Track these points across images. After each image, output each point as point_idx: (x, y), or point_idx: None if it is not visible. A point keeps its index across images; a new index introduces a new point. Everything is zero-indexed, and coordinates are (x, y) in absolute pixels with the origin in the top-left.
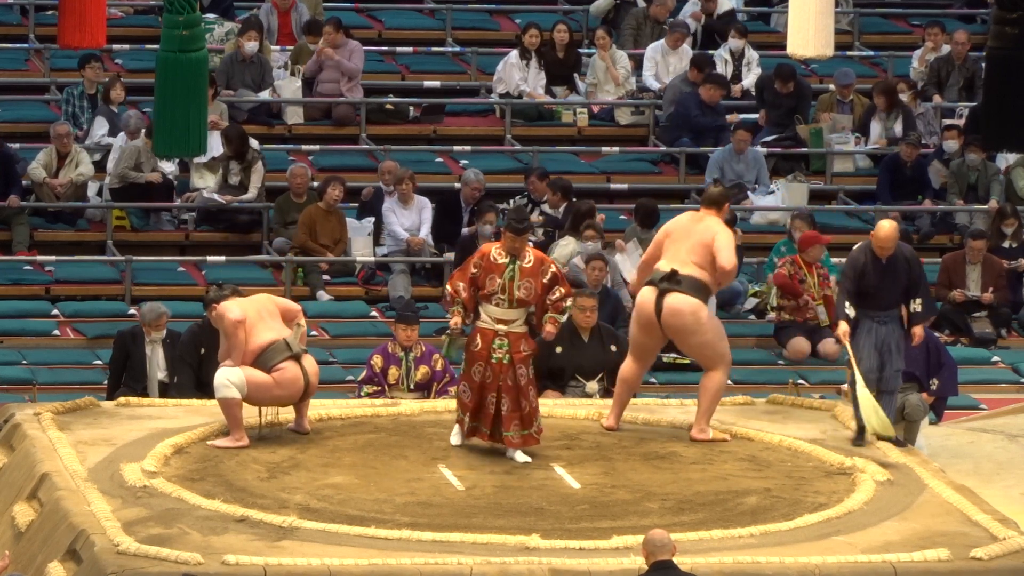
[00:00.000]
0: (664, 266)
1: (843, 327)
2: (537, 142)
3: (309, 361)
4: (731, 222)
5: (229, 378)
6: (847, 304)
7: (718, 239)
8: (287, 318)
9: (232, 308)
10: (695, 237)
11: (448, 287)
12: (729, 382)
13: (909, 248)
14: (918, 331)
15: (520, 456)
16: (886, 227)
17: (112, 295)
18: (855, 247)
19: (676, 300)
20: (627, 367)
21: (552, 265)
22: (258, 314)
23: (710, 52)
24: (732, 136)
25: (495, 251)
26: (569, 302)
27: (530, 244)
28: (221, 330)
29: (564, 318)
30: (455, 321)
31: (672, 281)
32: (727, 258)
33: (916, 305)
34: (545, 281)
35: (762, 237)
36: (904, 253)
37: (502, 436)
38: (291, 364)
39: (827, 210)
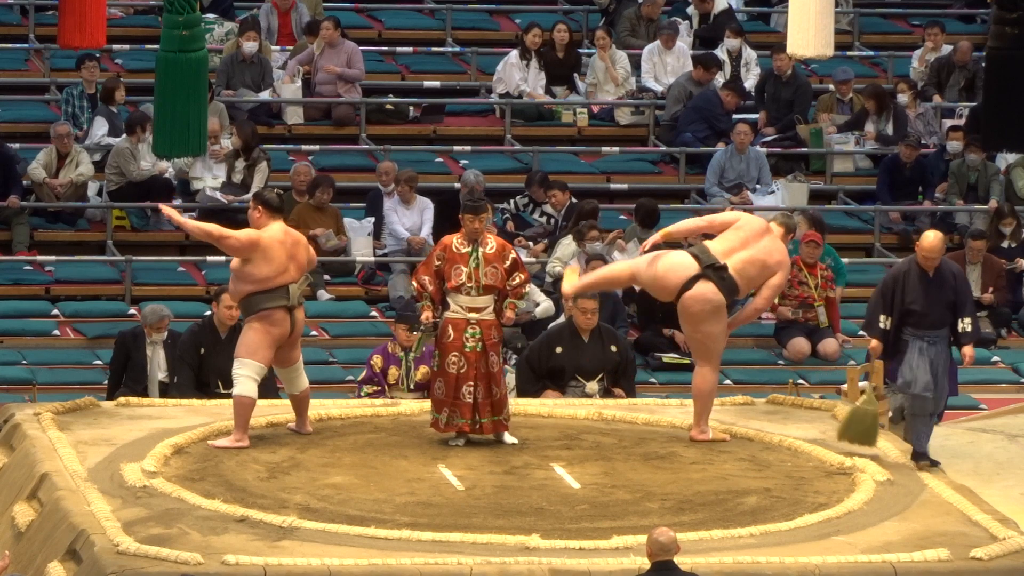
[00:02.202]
0: (720, 253)
1: (874, 344)
2: (537, 142)
3: (299, 311)
4: None
5: (249, 372)
6: (882, 318)
7: (778, 278)
8: (308, 267)
9: (253, 233)
10: (760, 251)
11: (414, 282)
12: (729, 382)
13: (956, 265)
14: (968, 351)
15: (508, 437)
16: (931, 237)
17: (112, 295)
18: (900, 261)
19: (707, 290)
20: (622, 274)
21: (512, 251)
22: (286, 258)
23: (713, 52)
24: (732, 131)
25: (456, 241)
26: (528, 288)
27: (489, 231)
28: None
29: (524, 304)
30: (426, 316)
31: (717, 274)
32: (766, 300)
33: (965, 325)
34: (506, 266)
35: None
36: (951, 269)
37: (480, 425)
38: (280, 311)
39: (827, 210)
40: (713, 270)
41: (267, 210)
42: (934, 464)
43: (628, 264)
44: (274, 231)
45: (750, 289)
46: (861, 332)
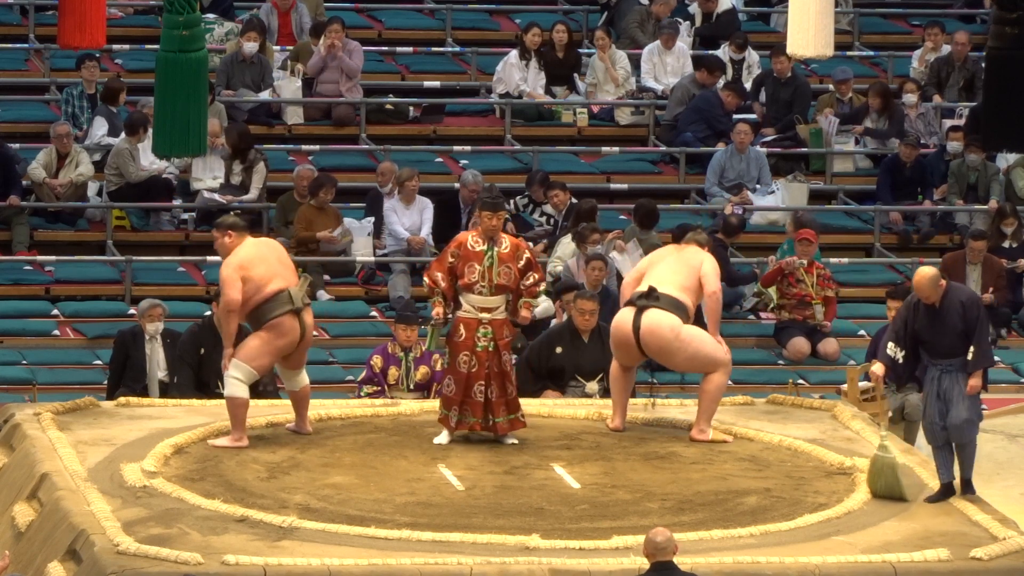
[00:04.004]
0: (646, 283)
1: (876, 366)
2: (537, 142)
3: (308, 314)
4: (740, 226)
5: (239, 376)
6: (890, 345)
7: (705, 264)
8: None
9: (229, 268)
10: (681, 261)
11: (426, 278)
12: (729, 382)
13: (969, 293)
14: (972, 382)
15: (508, 438)
16: (918, 275)
17: (112, 295)
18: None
19: (654, 317)
20: (615, 368)
21: (526, 251)
22: (275, 262)
23: (716, 53)
24: (732, 131)
25: (472, 239)
26: (543, 287)
27: (504, 230)
28: (222, 263)
29: (539, 303)
30: (437, 312)
31: (650, 298)
32: (713, 283)
33: (970, 354)
34: (520, 266)
35: (762, 237)
36: (960, 298)
37: (494, 424)
38: (288, 317)
39: (827, 210)
40: (643, 298)
41: (237, 231)
42: (948, 494)
43: (614, 365)
44: (247, 247)
45: (695, 291)
46: (861, 332)
